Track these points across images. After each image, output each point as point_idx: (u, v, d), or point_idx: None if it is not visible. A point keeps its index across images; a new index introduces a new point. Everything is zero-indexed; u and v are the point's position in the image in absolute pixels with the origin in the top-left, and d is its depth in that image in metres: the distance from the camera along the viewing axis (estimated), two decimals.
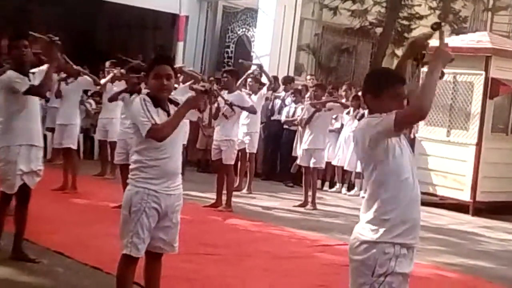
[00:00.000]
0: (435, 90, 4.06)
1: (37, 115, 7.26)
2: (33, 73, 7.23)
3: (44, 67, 7.30)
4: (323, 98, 12.95)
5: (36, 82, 7.09)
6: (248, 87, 13.81)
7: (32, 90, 7.01)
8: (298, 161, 12.77)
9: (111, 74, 12.06)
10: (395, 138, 4.11)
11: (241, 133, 12.84)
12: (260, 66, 14.76)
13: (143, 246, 5.27)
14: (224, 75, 11.87)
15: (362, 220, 4.18)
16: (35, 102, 7.21)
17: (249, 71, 14.15)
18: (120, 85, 11.71)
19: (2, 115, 7.20)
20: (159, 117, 5.22)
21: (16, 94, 6.99)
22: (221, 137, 11.30)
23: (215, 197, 11.49)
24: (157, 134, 5.16)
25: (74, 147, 11.94)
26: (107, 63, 13.25)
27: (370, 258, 4.05)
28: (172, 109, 5.35)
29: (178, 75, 10.85)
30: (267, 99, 15.64)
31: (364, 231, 4.11)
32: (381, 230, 4.05)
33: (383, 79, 4.30)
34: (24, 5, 23.70)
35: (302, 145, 12.53)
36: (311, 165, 12.24)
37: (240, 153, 12.92)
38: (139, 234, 5.22)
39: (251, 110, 12.06)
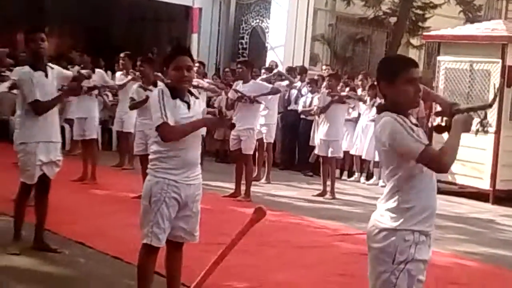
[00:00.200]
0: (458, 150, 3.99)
1: (53, 110, 7.20)
2: (52, 67, 7.23)
3: (69, 73, 7.34)
4: (338, 87, 12.94)
5: (53, 80, 7.11)
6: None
7: (33, 105, 6.96)
8: (316, 151, 12.76)
9: (130, 78, 12.11)
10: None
11: (258, 124, 12.81)
12: (280, 73, 14.84)
13: (164, 236, 5.28)
14: (239, 65, 11.95)
15: (381, 208, 4.14)
16: (51, 96, 7.13)
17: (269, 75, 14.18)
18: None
19: (19, 108, 7.21)
20: (177, 108, 5.23)
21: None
22: (241, 126, 11.24)
23: (234, 187, 11.48)
24: (165, 134, 5.21)
25: (96, 137, 12.09)
26: (122, 54, 13.28)
27: (390, 245, 4.01)
28: (192, 101, 5.35)
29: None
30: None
31: (383, 218, 4.07)
32: (402, 219, 4.02)
33: (395, 64, 4.19)
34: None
35: (319, 135, 12.52)
36: (329, 155, 12.24)
37: (258, 143, 12.87)
38: (159, 224, 5.24)
39: (274, 92, 12.22)
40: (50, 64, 7.34)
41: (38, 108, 6.97)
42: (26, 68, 7.07)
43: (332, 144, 12.23)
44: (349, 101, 12.63)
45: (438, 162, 3.94)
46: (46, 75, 7.08)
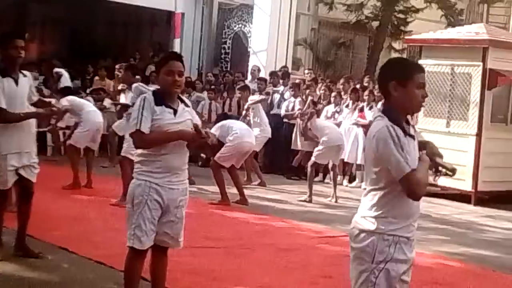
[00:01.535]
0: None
1: (30, 120, 7.05)
2: (25, 75, 7.07)
3: (36, 82, 7.18)
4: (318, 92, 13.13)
5: (23, 88, 6.95)
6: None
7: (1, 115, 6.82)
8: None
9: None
10: (404, 141, 4.02)
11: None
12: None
13: (146, 238, 5.27)
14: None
15: (361, 211, 4.16)
16: (19, 104, 6.94)
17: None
18: None
19: None
20: (161, 114, 5.25)
21: None
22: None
23: (217, 191, 11.48)
24: (137, 142, 5.31)
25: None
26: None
27: (369, 245, 4.03)
28: (181, 107, 5.37)
29: None
30: (267, 93, 15.74)
31: (364, 221, 4.09)
32: (381, 226, 4.03)
33: (410, 67, 4.16)
34: (24, 3, 23.69)
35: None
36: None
37: None
38: (141, 227, 5.25)
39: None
40: (24, 71, 7.16)
41: (1, 117, 6.81)
42: None
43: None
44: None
45: (414, 193, 3.98)
46: (17, 83, 6.92)
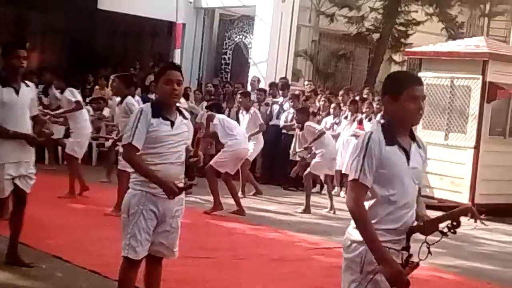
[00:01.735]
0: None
1: (25, 129, 7.03)
2: (28, 85, 7.11)
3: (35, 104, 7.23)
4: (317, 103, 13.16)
5: (24, 98, 6.96)
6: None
7: None
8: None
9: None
10: (390, 150, 4.06)
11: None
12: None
13: (141, 248, 5.27)
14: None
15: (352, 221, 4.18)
16: (20, 115, 6.99)
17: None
18: None
19: None
20: (157, 126, 5.25)
21: None
22: None
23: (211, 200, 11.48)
24: (126, 154, 5.44)
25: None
26: (112, 77, 13.22)
27: (358, 256, 4.05)
28: (179, 120, 5.38)
29: None
30: (266, 104, 15.77)
31: (354, 231, 4.10)
32: None
33: (401, 80, 4.19)
34: (24, 12, 23.72)
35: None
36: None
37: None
38: (136, 237, 5.24)
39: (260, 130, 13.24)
40: (27, 82, 7.22)
41: None
42: None
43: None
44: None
45: (347, 201, 4.05)
46: (17, 92, 6.96)
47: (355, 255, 4.06)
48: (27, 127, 7.05)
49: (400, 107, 4.07)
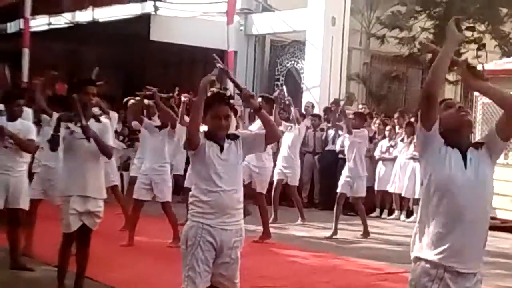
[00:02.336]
0: (443, 69, 4.19)
1: (91, 163, 7.09)
2: (100, 121, 7.21)
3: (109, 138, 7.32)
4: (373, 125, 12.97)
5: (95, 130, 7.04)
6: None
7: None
8: (339, 189, 12.40)
9: None
10: (442, 150, 4.11)
11: (279, 164, 13.27)
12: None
13: (200, 280, 5.26)
14: (259, 99, 11.54)
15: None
16: (90, 149, 7.02)
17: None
18: None
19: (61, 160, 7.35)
20: (211, 148, 5.30)
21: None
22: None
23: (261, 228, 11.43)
24: (187, 133, 5.38)
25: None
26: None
27: (415, 278, 4.09)
28: (228, 143, 5.39)
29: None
30: (322, 130, 15.73)
31: (414, 246, 4.18)
32: (423, 247, 4.10)
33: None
34: (78, 46, 24.15)
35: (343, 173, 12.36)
36: (350, 193, 12.14)
37: (275, 184, 13.25)
38: (194, 268, 5.24)
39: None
40: (99, 117, 7.35)
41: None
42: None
43: (355, 182, 12.12)
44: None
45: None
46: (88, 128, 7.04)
47: (413, 277, 4.15)
48: (95, 165, 7.14)
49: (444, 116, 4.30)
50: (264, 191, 11.64)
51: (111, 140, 7.27)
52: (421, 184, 4.26)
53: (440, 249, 4.03)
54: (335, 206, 12.13)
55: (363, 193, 12.32)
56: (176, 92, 17.38)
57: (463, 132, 4.25)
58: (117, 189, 12.07)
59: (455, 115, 4.24)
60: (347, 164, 12.22)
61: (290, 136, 13.35)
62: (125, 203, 11.73)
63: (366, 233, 12.21)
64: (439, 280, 4.03)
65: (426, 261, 4.07)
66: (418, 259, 4.12)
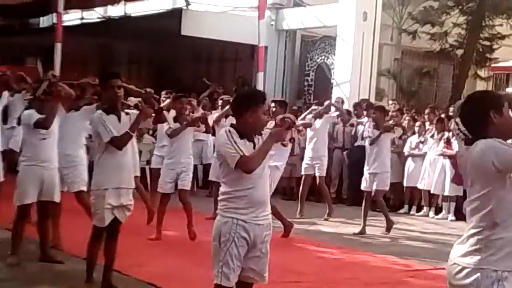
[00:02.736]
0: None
1: (125, 154, 7.17)
2: (127, 113, 7.27)
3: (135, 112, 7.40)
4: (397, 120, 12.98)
5: (125, 126, 7.09)
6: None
7: (112, 143, 7.04)
8: (362, 186, 12.26)
9: None
10: None
11: (306, 158, 13.36)
12: (331, 105, 14.82)
13: (234, 275, 5.31)
14: (272, 104, 11.52)
15: (462, 245, 4.12)
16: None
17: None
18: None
19: (94, 154, 7.39)
20: (246, 147, 5.31)
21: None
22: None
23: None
24: (247, 166, 5.26)
25: None
26: (163, 93, 13.41)
27: (473, 284, 3.98)
28: (257, 139, 5.44)
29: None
30: (351, 125, 15.71)
31: (466, 258, 4.05)
32: (484, 256, 3.99)
33: (498, 94, 4.29)
34: (110, 41, 24.30)
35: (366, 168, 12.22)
36: (374, 188, 11.99)
37: (303, 178, 13.42)
38: (228, 264, 5.28)
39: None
40: (127, 110, 7.41)
41: (118, 142, 7.04)
42: (99, 112, 7.17)
43: (378, 177, 12.01)
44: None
45: None
46: (119, 120, 7.13)
47: (470, 282, 4.01)
48: (128, 156, 7.22)
49: (505, 120, 4.12)
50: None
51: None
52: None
53: None
54: (363, 202, 12.09)
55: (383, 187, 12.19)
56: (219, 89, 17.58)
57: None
58: (137, 181, 12.13)
59: None
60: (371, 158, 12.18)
61: (312, 131, 13.48)
62: (144, 194, 11.78)
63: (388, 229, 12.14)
64: None
65: None
66: None
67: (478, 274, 3.97)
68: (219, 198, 5.48)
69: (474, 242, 4.05)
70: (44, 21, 24.75)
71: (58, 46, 17.76)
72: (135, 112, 7.43)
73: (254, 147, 5.37)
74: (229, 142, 5.29)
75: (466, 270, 4.02)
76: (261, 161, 5.30)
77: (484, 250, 4.00)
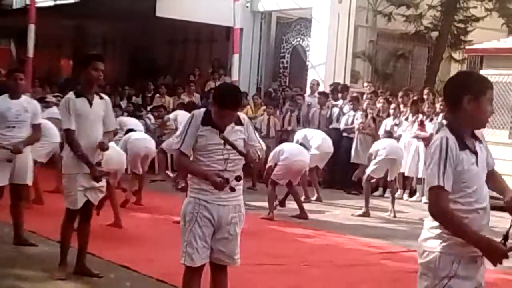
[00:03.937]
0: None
1: (96, 141, 7.09)
2: (102, 98, 7.20)
3: (112, 120, 7.37)
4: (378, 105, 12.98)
5: (98, 109, 7.05)
6: None
7: (65, 133, 7.04)
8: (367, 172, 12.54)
9: None
10: (464, 157, 4.02)
11: None
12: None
13: (198, 256, 5.30)
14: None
15: (426, 228, 4.13)
16: (93, 126, 7.09)
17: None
18: None
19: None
20: (206, 135, 5.26)
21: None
22: None
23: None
24: (178, 160, 5.49)
25: None
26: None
27: (432, 261, 4.01)
28: (230, 128, 5.32)
29: None
30: (328, 107, 15.82)
31: (426, 242, 4.08)
32: (443, 243, 4.01)
33: (483, 82, 4.16)
34: (84, 23, 24.09)
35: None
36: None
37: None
38: (192, 244, 5.29)
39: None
40: (102, 94, 7.31)
41: (68, 137, 7.01)
42: (69, 95, 7.11)
43: None
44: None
45: (430, 207, 4.01)
46: (90, 104, 7.05)
47: (429, 260, 4.04)
48: (98, 140, 7.08)
49: (480, 108, 4.05)
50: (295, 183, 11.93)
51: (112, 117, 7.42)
52: None
53: None
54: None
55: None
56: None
57: (475, 129, 4.19)
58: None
59: (486, 116, 4.12)
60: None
61: None
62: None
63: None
64: None
65: None
66: None
67: (436, 253, 4.00)
68: (187, 178, 5.50)
69: (434, 225, 4.06)
70: (17, 2, 24.44)
71: (32, 28, 17.54)
72: (108, 99, 7.36)
73: (220, 133, 5.25)
74: (183, 127, 5.37)
75: (426, 252, 4.06)
76: (182, 171, 5.49)
77: (442, 236, 4.02)
